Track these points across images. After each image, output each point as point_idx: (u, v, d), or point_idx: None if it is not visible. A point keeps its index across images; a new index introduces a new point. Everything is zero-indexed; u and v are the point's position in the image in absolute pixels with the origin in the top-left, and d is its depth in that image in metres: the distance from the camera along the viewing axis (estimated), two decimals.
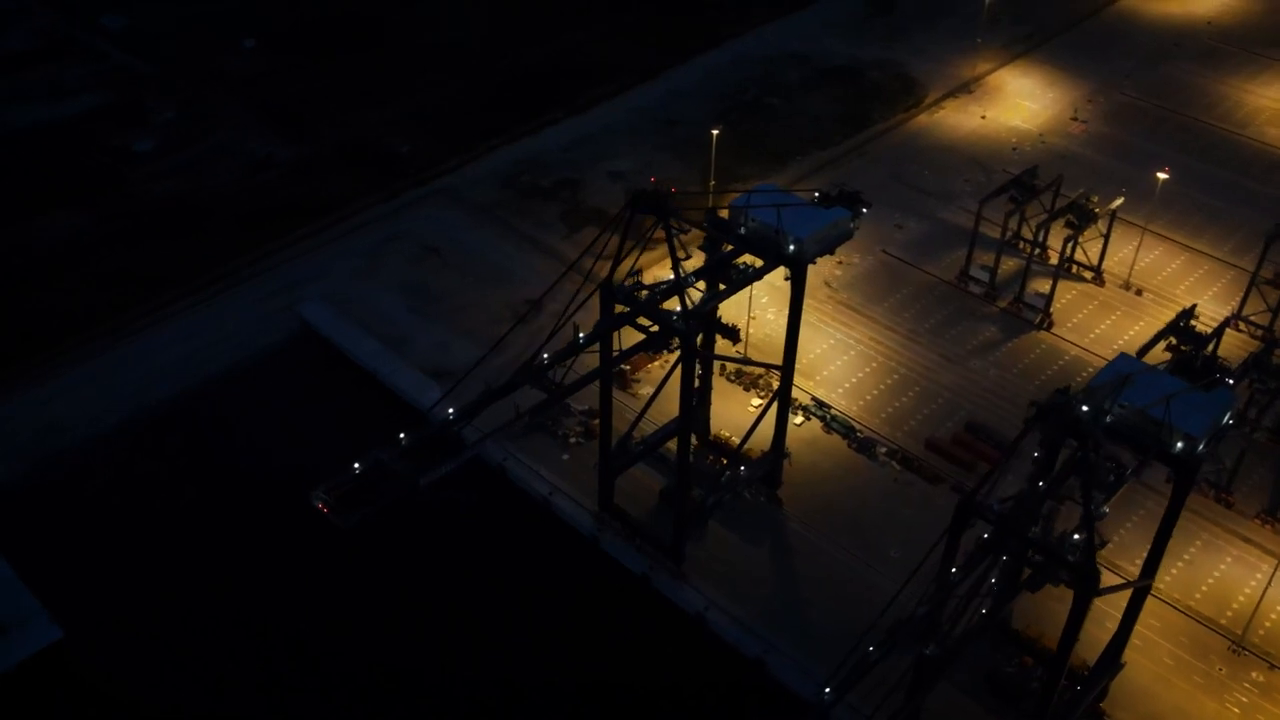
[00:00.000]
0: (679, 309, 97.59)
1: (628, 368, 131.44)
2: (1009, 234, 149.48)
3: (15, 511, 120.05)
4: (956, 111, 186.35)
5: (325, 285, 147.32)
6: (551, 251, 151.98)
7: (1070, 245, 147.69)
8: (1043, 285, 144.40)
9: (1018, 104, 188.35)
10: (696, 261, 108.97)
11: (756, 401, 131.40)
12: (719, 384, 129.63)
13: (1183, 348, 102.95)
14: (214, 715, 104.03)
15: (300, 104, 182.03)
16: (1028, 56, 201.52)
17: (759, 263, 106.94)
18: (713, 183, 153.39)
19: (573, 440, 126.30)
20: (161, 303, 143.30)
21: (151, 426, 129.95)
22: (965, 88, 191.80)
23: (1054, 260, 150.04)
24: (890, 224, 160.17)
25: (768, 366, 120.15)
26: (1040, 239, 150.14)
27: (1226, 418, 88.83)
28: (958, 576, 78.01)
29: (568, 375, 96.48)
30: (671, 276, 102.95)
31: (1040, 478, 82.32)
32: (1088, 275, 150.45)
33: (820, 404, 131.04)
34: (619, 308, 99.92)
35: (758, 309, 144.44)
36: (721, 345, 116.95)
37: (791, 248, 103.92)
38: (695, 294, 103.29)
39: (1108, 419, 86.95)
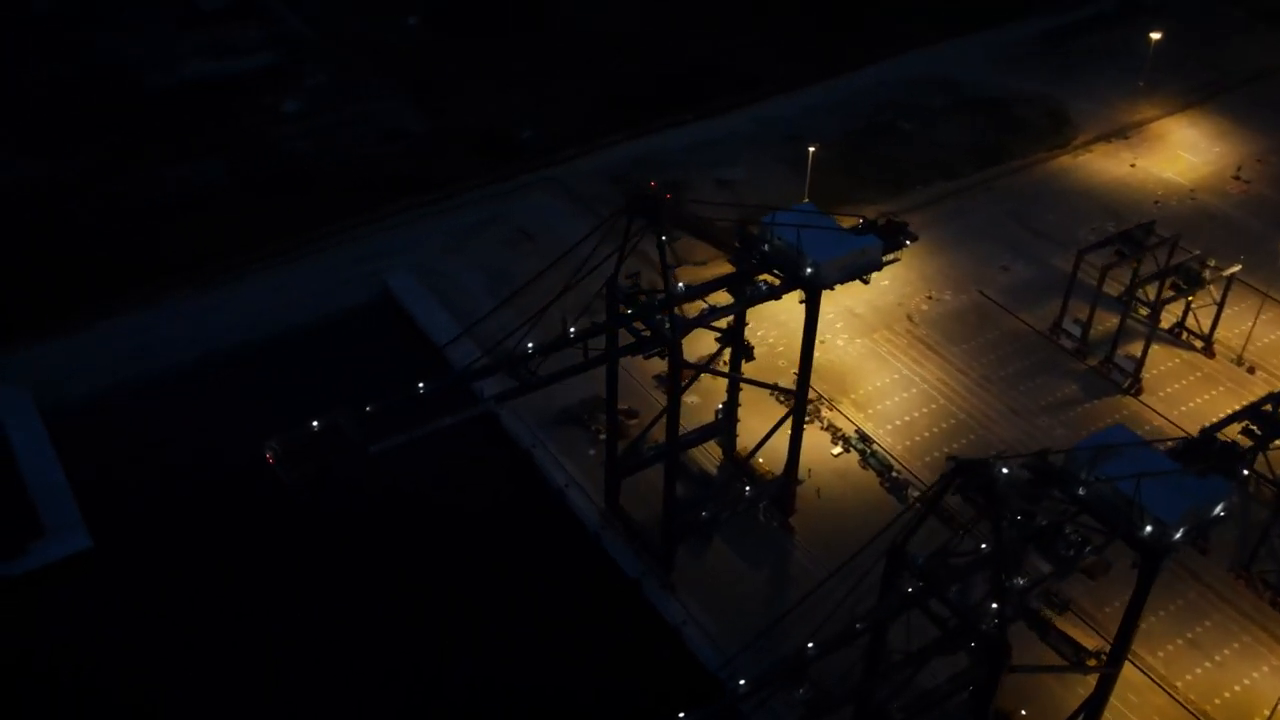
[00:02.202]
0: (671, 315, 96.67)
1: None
2: (1122, 291, 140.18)
3: (86, 425, 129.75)
4: (1105, 156, 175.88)
5: (415, 257, 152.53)
6: (638, 249, 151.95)
7: (1184, 309, 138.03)
8: (1136, 348, 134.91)
9: (1176, 155, 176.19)
10: (716, 270, 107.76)
11: None
12: (763, 405, 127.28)
13: (1254, 429, 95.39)
14: (220, 647, 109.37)
15: (443, 82, 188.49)
16: (1201, 106, 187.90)
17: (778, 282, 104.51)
18: (805, 200, 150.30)
19: (603, 436, 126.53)
20: (264, 254, 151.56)
21: (226, 365, 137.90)
22: (1122, 133, 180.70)
23: (1165, 324, 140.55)
24: (996, 265, 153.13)
25: (777, 389, 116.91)
26: (1150, 299, 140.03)
27: (1217, 509, 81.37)
28: (861, 626, 74.45)
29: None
30: (682, 284, 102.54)
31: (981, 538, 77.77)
32: (1198, 344, 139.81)
33: (864, 437, 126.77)
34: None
35: (829, 333, 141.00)
36: (750, 368, 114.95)
37: (809, 270, 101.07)
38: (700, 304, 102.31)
39: (1080, 491, 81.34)
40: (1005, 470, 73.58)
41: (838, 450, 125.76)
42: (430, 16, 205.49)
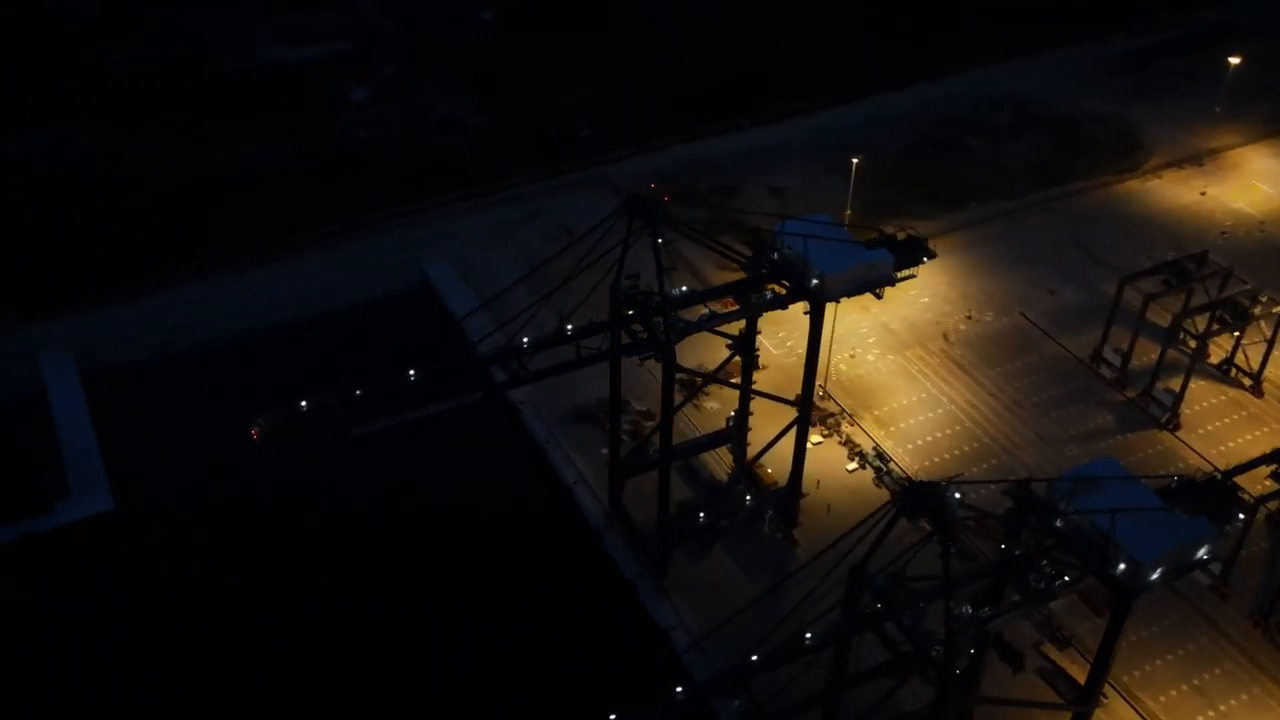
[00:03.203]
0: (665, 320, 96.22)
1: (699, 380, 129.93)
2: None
3: (125, 393, 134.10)
4: (1175, 183, 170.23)
5: (456, 247, 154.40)
6: (677, 252, 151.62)
7: (1234, 345, 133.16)
8: (1177, 382, 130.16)
9: (1251, 185, 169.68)
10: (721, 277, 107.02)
11: (816, 438, 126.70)
12: (780, 414, 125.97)
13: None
14: (222, 623, 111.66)
15: (508, 76, 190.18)
16: None
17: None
18: (849, 213, 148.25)
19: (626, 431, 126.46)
20: (312, 236, 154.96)
21: (265, 342, 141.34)
22: (1195, 159, 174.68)
23: (1214, 359, 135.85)
24: (1044, 288, 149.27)
25: (778, 400, 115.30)
26: (1197, 331, 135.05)
27: (1200, 553, 78.24)
28: (812, 642, 73.26)
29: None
30: (683, 288, 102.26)
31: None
32: (1246, 382, 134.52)
33: (881, 455, 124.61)
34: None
35: (860, 347, 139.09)
36: (773, 376, 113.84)
37: (814, 282, 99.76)
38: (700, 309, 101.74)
39: (1057, 523, 78.99)
40: (958, 495, 71.69)
41: (853, 466, 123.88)
42: (504, 11, 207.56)
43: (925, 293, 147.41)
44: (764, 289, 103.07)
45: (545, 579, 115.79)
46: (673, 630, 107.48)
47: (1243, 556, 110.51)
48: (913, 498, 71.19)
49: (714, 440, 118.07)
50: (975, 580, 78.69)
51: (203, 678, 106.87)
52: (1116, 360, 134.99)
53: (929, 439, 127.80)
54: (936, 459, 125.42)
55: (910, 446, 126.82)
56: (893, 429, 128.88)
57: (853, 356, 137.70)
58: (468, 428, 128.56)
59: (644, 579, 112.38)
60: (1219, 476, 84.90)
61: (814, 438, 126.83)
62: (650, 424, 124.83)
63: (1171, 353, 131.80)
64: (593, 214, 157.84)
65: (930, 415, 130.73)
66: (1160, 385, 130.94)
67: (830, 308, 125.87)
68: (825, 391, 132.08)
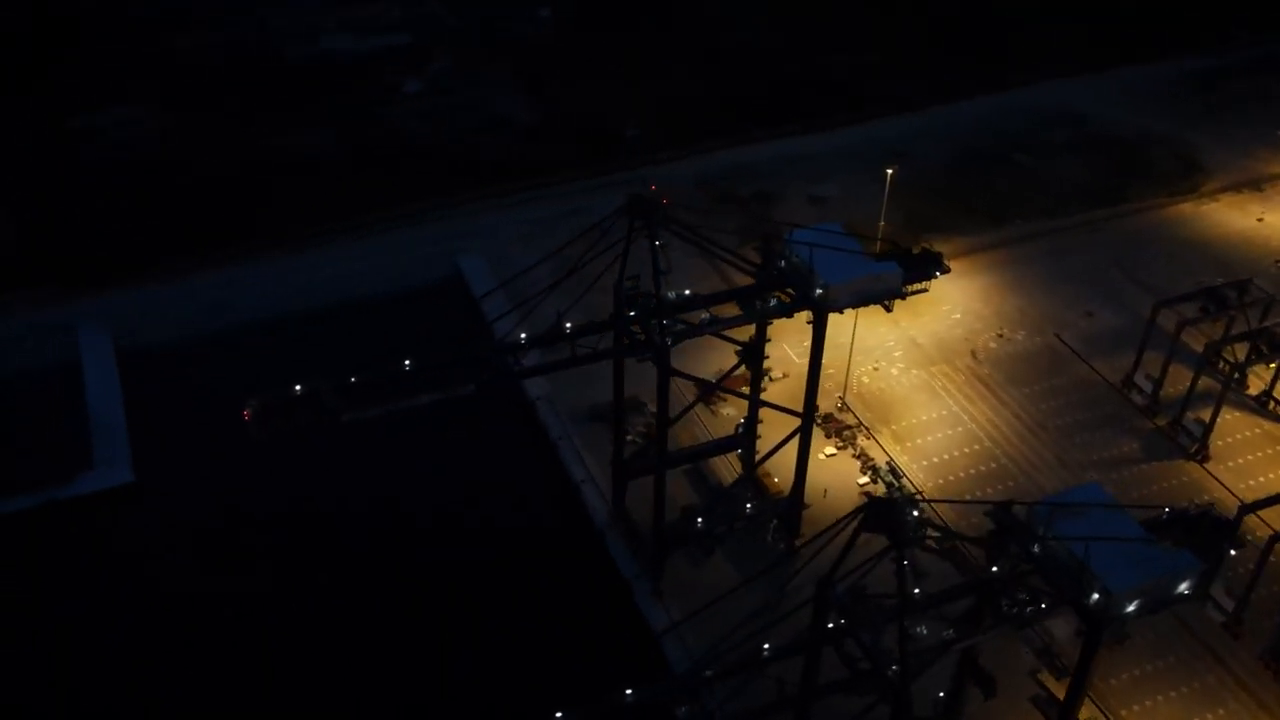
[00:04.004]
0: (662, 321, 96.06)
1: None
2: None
3: (157, 368, 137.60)
4: (1231, 207, 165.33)
5: (491, 242, 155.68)
6: (709, 256, 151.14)
7: (1274, 376, 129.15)
8: (1208, 412, 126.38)
9: None
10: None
11: (830, 450, 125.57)
12: (792, 423, 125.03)
13: None
14: (227, 602, 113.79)
15: (562, 74, 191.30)
16: None
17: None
18: (883, 224, 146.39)
19: (629, 437, 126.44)
20: (352, 224, 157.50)
21: (298, 326, 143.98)
22: (1255, 184, 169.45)
23: (1254, 390, 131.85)
24: (1081, 309, 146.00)
25: (782, 410, 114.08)
26: (1237, 361, 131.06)
27: (1181, 587, 75.98)
28: (768, 654, 72.65)
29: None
30: (688, 291, 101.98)
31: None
32: None
33: (894, 471, 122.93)
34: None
35: (885, 361, 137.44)
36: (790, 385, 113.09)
37: (818, 291, 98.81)
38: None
39: (1035, 548, 77.32)
40: (916, 514, 70.49)
41: (865, 480, 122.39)
42: (563, 9, 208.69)
43: (957, 309, 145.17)
44: (769, 296, 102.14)
45: (545, 576, 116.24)
46: (664, 633, 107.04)
47: (1261, 596, 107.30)
48: (872, 513, 70.16)
49: (720, 446, 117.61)
50: (950, 601, 77.24)
51: (195, 665, 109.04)
52: (1148, 386, 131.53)
53: (945, 457, 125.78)
54: (951, 477, 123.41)
55: (925, 463, 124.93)
56: (909, 445, 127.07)
57: (876, 370, 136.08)
58: (486, 421, 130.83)
59: (640, 580, 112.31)
60: (1210, 509, 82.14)
61: (828, 449, 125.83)
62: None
63: (1207, 382, 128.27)
64: None
65: (949, 433, 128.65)
66: (1190, 415, 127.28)
67: (855, 319, 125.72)
68: (844, 403, 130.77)
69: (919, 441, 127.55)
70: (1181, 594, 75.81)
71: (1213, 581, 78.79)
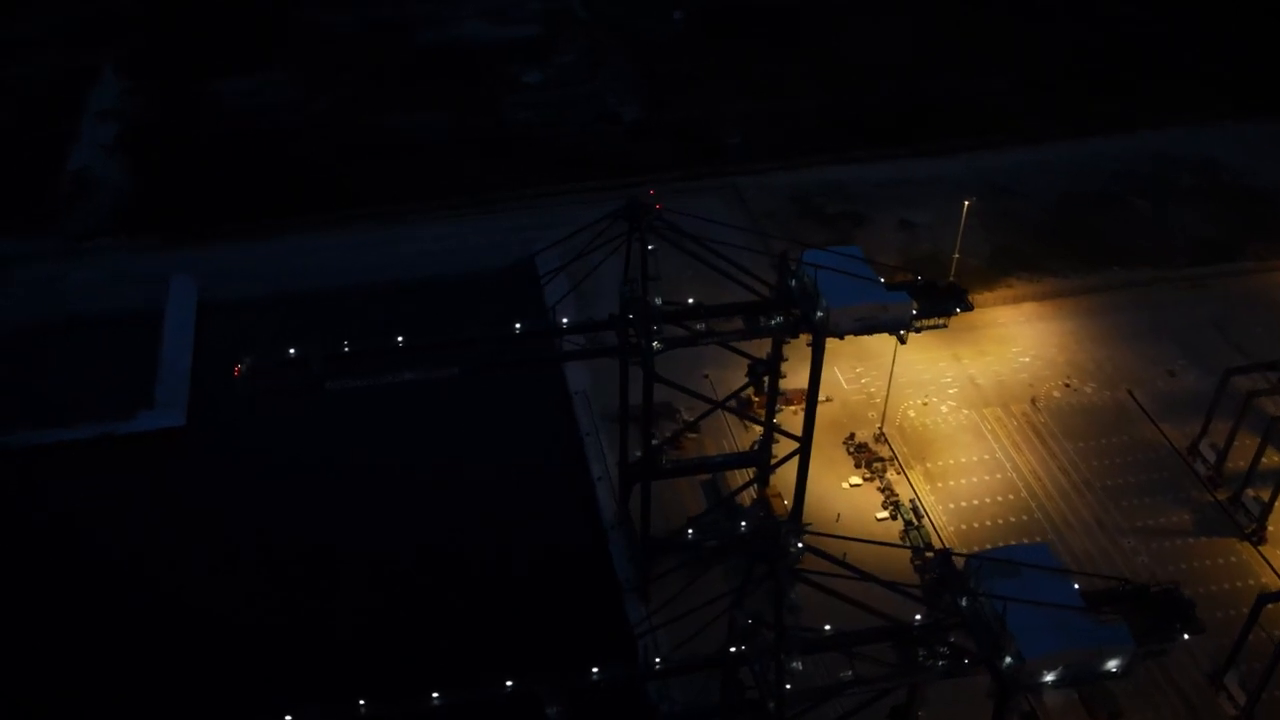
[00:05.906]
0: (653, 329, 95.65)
1: (757, 399, 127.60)
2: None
3: (233, 322, 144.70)
4: None
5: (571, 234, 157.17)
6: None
7: None
8: (1268, 491, 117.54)
9: None
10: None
11: (856, 480, 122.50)
12: (830, 451, 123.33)
13: None
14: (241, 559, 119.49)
15: (681, 76, 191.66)
16: None
17: None
18: (956, 256, 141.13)
19: (655, 440, 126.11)
20: (443, 205, 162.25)
21: (369, 297, 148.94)
22: None
23: None
24: (1164, 367, 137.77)
25: (784, 434, 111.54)
26: None
27: (1109, 663, 71.38)
28: (660, 667, 71.79)
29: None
30: (690, 301, 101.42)
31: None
32: None
33: (916, 510, 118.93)
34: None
35: (936, 396, 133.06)
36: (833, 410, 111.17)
37: (819, 314, 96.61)
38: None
39: (963, 601, 74.04)
40: (800, 546, 68.24)
41: (883, 515, 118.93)
42: (696, 12, 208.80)
43: (1027, 352, 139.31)
44: (774, 314, 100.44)
45: (545, 571, 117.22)
46: (642, 635, 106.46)
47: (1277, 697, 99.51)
48: (756, 539, 68.43)
49: (730, 461, 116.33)
50: (863, 643, 74.65)
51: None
52: (1212, 456, 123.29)
53: (975, 502, 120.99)
54: (975, 524, 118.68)
55: (952, 506, 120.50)
56: (940, 485, 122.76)
57: (925, 404, 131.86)
58: (523, 409, 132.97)
59: (629, 581, 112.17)
60: (1175, 589, 76.87)
61: (854, 479, 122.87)
62: (690, 435, 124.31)
63: (1277, 458, 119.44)
64: (710, 219, 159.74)
65: (986, 479, 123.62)
66: (1251, 492, 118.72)
67: (895, 349, 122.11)
68: (882, 434, 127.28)
69: (951, 483, 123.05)
70: (1109, 671, 71.13)
71: (1162, 656, 73.55)
